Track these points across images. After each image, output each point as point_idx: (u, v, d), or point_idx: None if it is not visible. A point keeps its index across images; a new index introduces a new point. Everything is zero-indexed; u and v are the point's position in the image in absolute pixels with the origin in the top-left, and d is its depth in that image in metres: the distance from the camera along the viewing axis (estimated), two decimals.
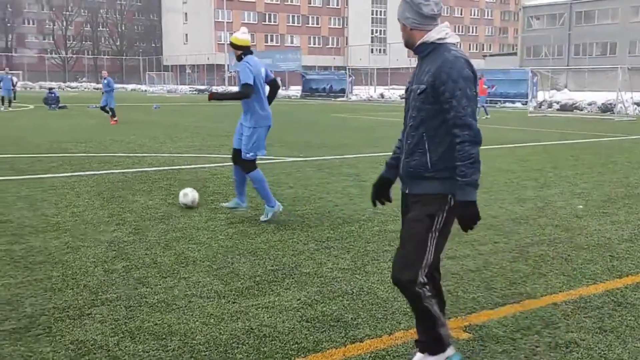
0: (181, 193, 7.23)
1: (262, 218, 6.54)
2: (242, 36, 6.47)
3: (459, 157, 2.86)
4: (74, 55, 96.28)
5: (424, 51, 3.00)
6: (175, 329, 3.77)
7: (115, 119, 20.35)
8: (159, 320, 3.89)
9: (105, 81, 20.92)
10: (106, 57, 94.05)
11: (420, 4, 2.93)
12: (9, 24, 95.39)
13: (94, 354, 3.43)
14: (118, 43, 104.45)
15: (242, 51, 6.45)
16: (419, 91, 2.98)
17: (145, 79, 78.93)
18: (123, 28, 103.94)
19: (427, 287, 3.01)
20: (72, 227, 6.23)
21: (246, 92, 6.28)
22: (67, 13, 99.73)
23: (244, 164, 6.50)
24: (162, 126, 19.54)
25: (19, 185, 8.52)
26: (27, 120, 21.72)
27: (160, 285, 4.55)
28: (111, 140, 14.84)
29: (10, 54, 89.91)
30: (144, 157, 11.77)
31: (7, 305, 4.11)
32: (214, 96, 6.49)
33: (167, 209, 7.13)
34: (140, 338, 3.63)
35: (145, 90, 66.81)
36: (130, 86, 76.24)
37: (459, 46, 3.07)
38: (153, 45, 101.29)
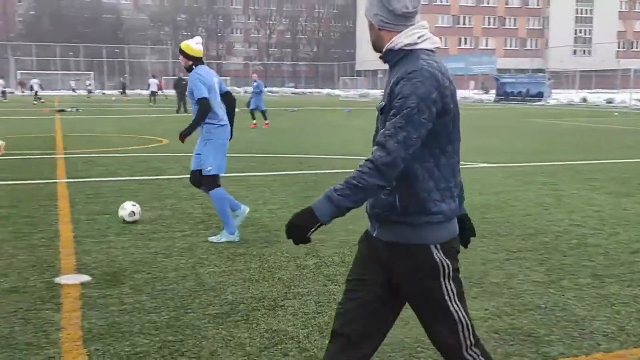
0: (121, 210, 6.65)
1: (212, 239, 5.93)
2: (196, 46, 6.01)
3: (354, 174, 2.22)
4: (275, 62, 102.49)
5: (392, 59, 2.39)
6: None
7: (266, 122, 20.37)
8: None
9: (255, 84, 21.27)
10: (303, 63, 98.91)
11: None
12: (219, 34, 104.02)
13: (285, 344, 3.62)
14: (315, 49, 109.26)
15: (192, 62, 5.96)
16: (379, 110, 2.39)
17: (339, 84, 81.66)
18: (320, 35, 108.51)
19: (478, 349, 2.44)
20: (268, 223, 6.64)
21: (205, 109, 5.81)
22: (271, 22, 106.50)
23: (205, 180, 5.98)
24: (354, 129, 20.07)
25: (226, 182, 9.26)
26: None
27: None
28: (304, 142, 15.56)
29: (219, 61, 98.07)
30: (336, 159, 12.18)
31: (212, 291, 4.48)
32: (183, 134, 6.00)
33: (355, 210, 7.29)
34: (328, 333, 3.77)
35: (339, 95, 69.08)
36: (324, 91, 79.36)
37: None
38: (347, 51, 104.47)
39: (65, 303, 4.25)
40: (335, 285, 4.63)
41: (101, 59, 78.41)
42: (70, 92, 51.97)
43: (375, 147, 2.23)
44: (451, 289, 2.35)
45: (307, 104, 43.32)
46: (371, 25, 2.41)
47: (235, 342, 3.64)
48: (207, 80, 5.88)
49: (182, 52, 5.98)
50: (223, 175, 6.22)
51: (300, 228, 2.23)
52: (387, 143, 2.18)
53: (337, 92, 75.39)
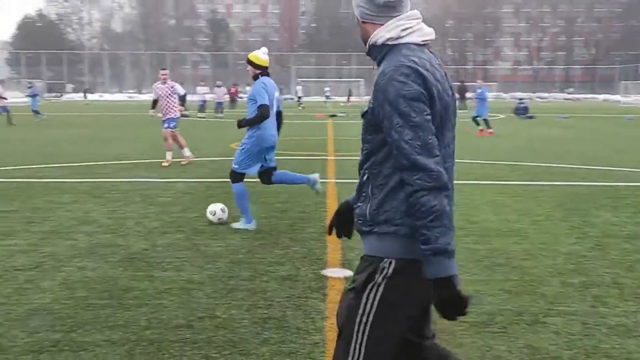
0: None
1: (233, 225, 6.62)
2: (263, 57, 6.47)
3: (415, 214, 1.92)
4: (546, 66, 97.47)
5: (376, 56, 2.13)
6: (635, 357, 3.48)
7: (490, 130, 19.65)
8: (617, 344, 3.66)
9: (480, 90, 20.58)
10: (578, 66, 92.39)
11: None
12: (487, 39, 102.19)
13: None
14: (593, 52, 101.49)
15: (260, 71, 6.46)
16: (361, 114, 2.15)
17: (619, 89, 74.64)
18: (599, 36, 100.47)
19: None
20: (532, 234, 6.35)
21: (264, 114, 6.31)
22: (543, 25, 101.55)
23: (231, 174, 6.57)
24: (632, 139, 18.21)
25: (483, 190, 9.09)
26: (502, 129, 22.95)
27: (620, 307, 4.27)
28: (575, 150, 14.55)
29: (485, 66, 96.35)
30: (608, 171, 11.19)
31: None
32: (241, 124, 6.52)
33: (633, 227, 6.63)
34: (596, 357, 3.48)
35: (618, 101, 63.20)
36: (601, 96, 73.26)
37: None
38: (630, 52, 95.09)
39: (330, 294, 4.56)
40: (606, 307, 4.25)
41: (370, 66, 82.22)
42: (323, 99, 55.17)
43: (405, 173, 1.95)
44: (371, 304, 2.06)
45: (580, 111, 40.44)
46: (357, 19, 2.19)
47: (493, 353, 3.56)
48: (269, 90, 6.37)
49: (250, 62, 6.48)
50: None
51: (460, 301, 1.99)
52: (414, 160, 1.93)
53: (616, 97, 69.07)
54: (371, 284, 2.07)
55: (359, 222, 2.15)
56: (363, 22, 2.16)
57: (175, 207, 7.73)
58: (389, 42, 2.09)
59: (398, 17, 2.10)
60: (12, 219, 7.08)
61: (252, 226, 6.58)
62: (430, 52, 2.13)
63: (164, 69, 12.88)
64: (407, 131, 1.95)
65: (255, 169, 6.56)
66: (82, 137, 18.12)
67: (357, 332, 2.08)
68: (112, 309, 4.24)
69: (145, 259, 5.44)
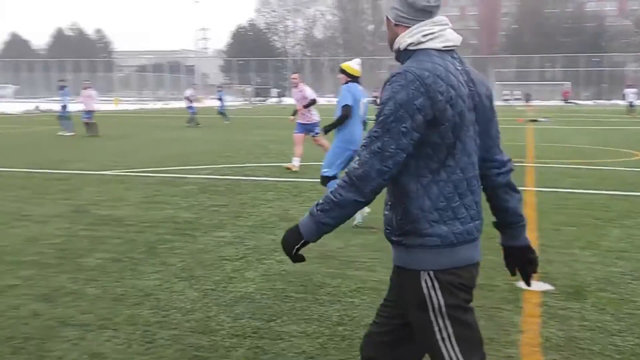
0: None
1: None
2: (356, 67, 7.00)
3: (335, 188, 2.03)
4: None
5: (402, 61, 2.10)
6: None
7: None
8: None
9: None
10: None
11: None
12: None
13: None
14: None
15: (350, 79, 6.97)
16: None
17: None
18: None
19: None
20: None
21: (346, 113, 6.83)
22: None
23: (321, 179, 7.01)
24: None
25: None
26: None
27: None
28: None
29: None
30: None
31: None
32: (325, 129, 7.35)
33: None
34: None
35: None
36: None
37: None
38: None
39: (525, 307, 4.36)
40: None
41: (577, 68, 77.15)
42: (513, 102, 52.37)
43: (355, 160, 2.02)
44: (445, 327, 2.03)
45: None
46: (387, 21, 2.14)
47: None
48: (354, 94, 6.91)
49: (342, 71, 7.04)
50: None
51: (287, 244, 2.13)
52: (361, 154, 2.00)
53: None
54: (428, 301, 2.06)
55: (387, 231, 2.15)
56: (396, 24, 2.13)
57: (369, 208, 7.89)
58: (410, 48, 2.09)
59: (422, 23, 2.08)
60: (222, 213, 7.73)
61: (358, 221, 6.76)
62: (454, 57, 2.09)
63: (296, 73, 12.60)
64: (377, 128, 2.00)
65: (338, 169, 6.90)
66: (286, 138, 19.23)
67: (446, 350, 2.07)
68: (307, 303, 4.45)
69: (339, 257, 5.63)
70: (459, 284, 2.07)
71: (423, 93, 1.96)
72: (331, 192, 2.04)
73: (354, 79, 6.99)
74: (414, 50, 2.09)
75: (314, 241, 2.12)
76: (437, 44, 2.08)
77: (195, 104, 28.10)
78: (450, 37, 2.10)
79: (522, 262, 2.32)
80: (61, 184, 10.04)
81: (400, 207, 2.08)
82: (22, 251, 5.88)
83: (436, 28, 2.09)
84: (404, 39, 2.10)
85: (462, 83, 2.05)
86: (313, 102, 11.75)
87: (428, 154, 2.02)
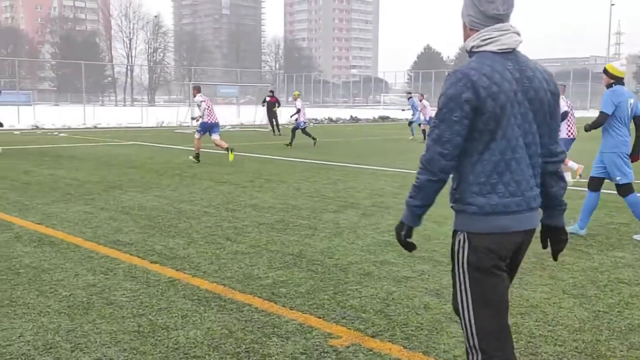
0: None
1: (635, 236, 6.76)
2: (620, 67, 6.70)
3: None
4: None
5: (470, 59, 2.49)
6: None
7: None
8: None
9: None
10: None
11: (485, 1, 2.43)
12: None
13: None
14: None
15: (614, 81, 6.64)
16: None
17: None
18: None
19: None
20: None
21: (600, 120, 6.65)
22: None
23: (618, 189, 6.78)
24: None
25: None
26: None
27: None
28: None
29: None
30: None
31: None
32: (586, 128, 6.92)
33: None
34: None
35: None
36: None
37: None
38: None
39: None
40: None
41: None
42: None
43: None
44: (463, 278, 2.46)
45: None
46: (464, 25, 2.54)
47: None
48: (619, 99, 6.55)
49: (606, 71, 6.70)
50: None
51: (396, 234, 2.59)
52: (427, 142, 2.45)
53: None
54: (455, 255, 2.51)
55: (450, 199, 2.59)
56: (470, 29, 2.51)
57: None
58: (473, 50, 2.47)
59: (488, 28, 2.44)
60: (622, 232, 7.09)
61: (581, 232, 6.90)
62: (508, 58, 2.42)
63: None
64: (435, 119, 2.43)
65: (631, 174, 6.72)
66: None
67: (461, 297, 2.50)
68: None
69: None
70: (485, 248, 2.44)
71: (469, 88, 2.36)
72: (415, 179, 2.52)
73: (617, 79, 6.70)
74: (476, 52, 2.47)
75: (416, 224, 2.55)
76: (493, 47, 2.44)
77: None
78: (507, 42, 2.44)
79: (554, 240, 2.69)
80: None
81: (455, 180, 2.55)
82: (418, 247, 6.35)
83: (495, 34, 2.44)
84: (468, 42, 2.50)
85: (508, 80, 2.39)
86: None
87: (475, 137, 2.42)
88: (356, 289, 4.96)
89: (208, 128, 14.65)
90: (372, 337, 3.99)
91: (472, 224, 2.46)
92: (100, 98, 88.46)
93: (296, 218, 7.79)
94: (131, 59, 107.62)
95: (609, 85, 6.71)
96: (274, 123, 26.47)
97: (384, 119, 46.23)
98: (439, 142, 2.41)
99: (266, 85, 41.44)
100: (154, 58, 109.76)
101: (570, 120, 11.18)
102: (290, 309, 4.47)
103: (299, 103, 20.78)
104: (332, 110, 57.86)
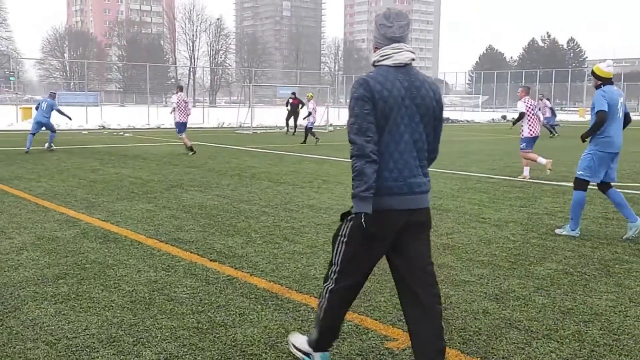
0: None
1: (557, 231, 7.06)
2: (606, 69, 6.83)
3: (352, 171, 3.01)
4: None
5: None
6: None
7: None
8: None
9: None
10: None
11: (383, 25, 3.11)
12: None
13: None
14: None
15: (602, 82, 6.80)
16: None
17: None
18: None
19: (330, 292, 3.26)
20: None
21: (600, 120, 6.69)
22: None
23: (575, 181, 6.99)
24: None
25: None
26: None
27: None
28: None
29: None
30: None
31: None
32: (583, 137, 6.98)
33: None
34: None
35: None
36: None
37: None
38: None
39: None
40: None
41: None
42: None
43: (350, 145, 3.01)
44: (345, 232, 3.15)
45: None
46: (373, 44, 3.21)
47: None
48: (610, 97, 6.73)
49: (593, 73, 6.89)
50: None
51: (357, 227, 2.98)
52: (350, 137, 2.99)
53: None
54: (347, 218, 3.18)
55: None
56: (375, 47, 3.16)
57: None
58: (375, 63, 3.14)
59: (385, 47, 3.11)
60: None
61: (575, 233, 6.91)
62: (400, 72, 3.06)
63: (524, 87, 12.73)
64: (350, 118, 3.01)
65: (599, 176, 6.86)
66: None
67: (337, 241, 3.22)
68: None
69: None
70: (372, 220, 2.94)
71: (368, 90, 2.99)
72: (352, 169, 2.97)
73: (604, 80, 6.81)
74: (377, 65, 3.13)
75: (370, 209, 2.92)
76: (388, 62, 3.09)
77: None
78: (399, 58, 3.08)
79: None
80: (519, 191, 10.31)
81: None
82: (477, 251, 6.25)
83: (390, 51, 3.10)
84: (372, 58, 3.16)
85: (397, 88, 3.02)
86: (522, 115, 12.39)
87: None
88: None
89: (181, 126, 17.06)
90: None
91: (379, 199, 3.03)
92: (164, 99, 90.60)
93: None
94: (194, 61, 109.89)
95: (597, 87, 6.91)
96: (292, 124, 27.87)
97: (444, 120, 45.69)
98: (361, 133, 2.95)
99: (325, 87, 41.57)
100: (216, 60, 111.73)
101: (531, 119, 12.29)
102: None
103: (311, 105, 23.16)
104: None
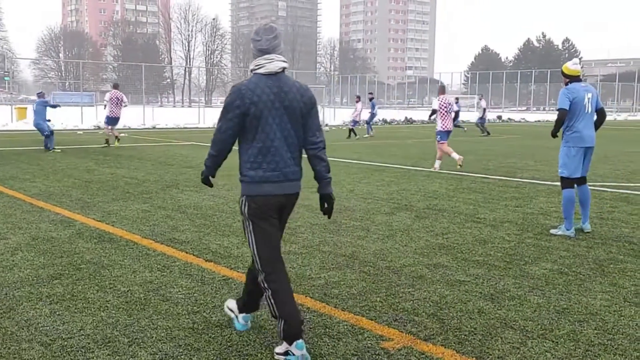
0: None
1: (553, 231, 7.13)
2: (572, 67, 7.15)
3: None
4: None
5: None
6: None
7: None
8: None
9: None
10: None
11: (253, 39, 3.69)
12: None
13: None
14: None
15: (569, 79, 7.10)
16: None
17: None
18: None
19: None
20: None
21: (559, 117, 7.01)
22: None
23: (560, 180, 7.27)
24: None
25: None
26: None
27: None
28: None
29: None
30: None
31: None
32: (552, 134, 7.18)
33: None
34: None
35: None
36: None
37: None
38: None
39: None
40: None
41: None
42: None
43: None
44: (248, 225, 3.70)
45: None
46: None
47: None
48: (573, 95, 6.98)
49: (562, 72, 7.22)
50: None
51: (201, 180, 4.01)
52: (213, 139, 3.74)
53: None
54: (240, 210, 3.77)
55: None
56: (253, 57, 3.70)
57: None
58: (252, 72, 3.69)
59: (259, 58, 3.67)
60: None
61: (571, 233, 6.98)
62: (271, 79, 3.62)
63: None
64: (218, 122, 3.68)
65: (579, 171, 7.07)
66: None
67: (248, 238, 3.74)
68: None
69: None
70: (257, 204, 3.63)
71: (239, 97, 3.56)
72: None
73: (572, 78, 7.07)
74: (253, 74, 3.66)
75: (213, 174, 3.93)
76: (261, 71, 3.63)
77: None
78: (270, 67, 3.62)
79: (323, 203, 3.83)
80: (514, 191, 10.33)
81: (239, 160, 3.70)
82: (472, 251, 6.26)
83: (263, 62, 3.64)
84: (250, 67, 3.69)
85: (267, 94, 3.57)
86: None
87: (246, 131, 3.61)
88: (409, 291, 4.92)
89: (112, 120, 19.29)
90: (424, 340, 3.95)
91: (248, 189, 3.65)
92: (159, 99, 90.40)
93: (349, 219, 7.78)
94: (189, 61, 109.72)
95: (566, 84, 7.18)
96: None
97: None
98: (220, 131, 3.65)
99: (321, 87, 41.56)
100: (212, 60, 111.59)
101: (444, 115, 13.71)
102: (342, 310, 4.48)
103: None
104: (387, 111, 57.54)
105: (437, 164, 13.63)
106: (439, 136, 13.86)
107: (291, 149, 3.67)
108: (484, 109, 28.43)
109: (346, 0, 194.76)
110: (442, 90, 14.19)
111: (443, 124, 13.79)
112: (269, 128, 3.58)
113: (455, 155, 13.58)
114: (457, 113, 14.14)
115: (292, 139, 3.65)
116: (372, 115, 26.84)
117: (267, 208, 3.64)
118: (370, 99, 27.60)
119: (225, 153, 3.76)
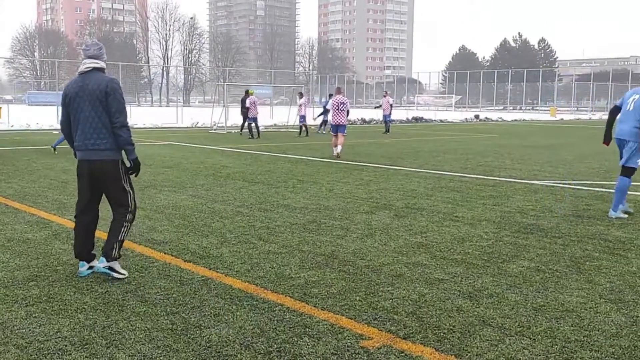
0: None
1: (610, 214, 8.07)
2: None
3: None
4: None
5: None
6: None
7: None
8: None
9: None
10: None
11: (82, 48, 5.40)
12: None
13: None
14: None
15: None
16: None
17: None
18: None
19: None
20: None
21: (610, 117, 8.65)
22: None
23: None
24: None
25: None
26: None
27: None
28: None
29: None
30: None
31: None
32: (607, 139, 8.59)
33: None
34: None
35: None
36: None
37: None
38: None
39: None
40: None
41: None
42: None
43: None
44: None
45: None
46: None
47: None
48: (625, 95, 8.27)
49: None
50: None
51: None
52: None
53: None
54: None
55: None
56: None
57: None
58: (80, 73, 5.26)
59: (82, 61, 5.23)
60: None
61: (620, 214, 8.01)
62: (82, 77, 5.19)
63: None
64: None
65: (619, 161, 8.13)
66: None
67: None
68: None
69: None
70: (78, 166, 5.29)
71: (65, 92, 5.23)
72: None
73: None
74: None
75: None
76: (79, 71, 5.20)
77: None
78: (81, 68, 5.17)
79: (128, 168, 5.43)
80: (492, 190, 10.42)
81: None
82: (451, 249, 6.31)
83: (81, 65, 5.18)
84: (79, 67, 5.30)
85: (75, 87, 5.15)
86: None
87: (70, 114, 5.20)
88: (388, 290, 4.94)
89: None
90: (404, 339, 3.97)
91: (77, 153, 5.26)
92: (137, 99, 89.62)
93: (328, 219, 7.79)
94: (167, 60, 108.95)
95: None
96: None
97: (417, 119, 45.94)
98: (60, 118, 5.29)
99: (300, 86, 41.56)
100: (190, 59, 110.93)
101: (334, 112, 16.62)
102: (322, 310, 4.48)
103: (248, 101, 24.48)
104: (365, 111, 57.68)
105: (335, 151, 16.14)
106: (329, 127, 17.78)
107: (94, 125, 5.12)
108: (391, 106, 29.62)
109: (324, 0, 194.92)
110: (337, 91, 17.23)
111: (333, 119, 16.73)
112: (74, 111, 5.20)
113: (338, 148, 16.08)
114: (348, 112, 16.80)
115: (92, 119, 5.13)
116: (325, 112, 26.61)
117: (83, 169, 5.27)
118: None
119: (65, 131, 5.43)
